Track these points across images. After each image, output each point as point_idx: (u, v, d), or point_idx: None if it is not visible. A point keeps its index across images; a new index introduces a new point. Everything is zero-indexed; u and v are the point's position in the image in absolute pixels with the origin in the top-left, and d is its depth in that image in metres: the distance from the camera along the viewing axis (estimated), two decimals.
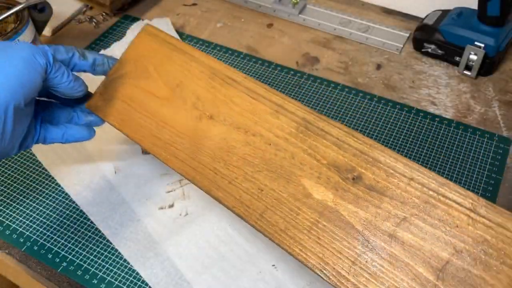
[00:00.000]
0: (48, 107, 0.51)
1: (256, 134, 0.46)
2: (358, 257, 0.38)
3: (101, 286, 0.50)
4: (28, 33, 0.65)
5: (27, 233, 0.55)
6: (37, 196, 0.58)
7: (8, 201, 0.58)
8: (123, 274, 0.51)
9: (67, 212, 0.57)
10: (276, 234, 0.41)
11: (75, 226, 0.55)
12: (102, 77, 0.53)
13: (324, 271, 0.38)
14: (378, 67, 0.73)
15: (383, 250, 0.38)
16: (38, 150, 0.62)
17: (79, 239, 0.54)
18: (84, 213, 0.56)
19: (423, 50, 0.73)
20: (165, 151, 0.48)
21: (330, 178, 0.41)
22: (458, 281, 0.35)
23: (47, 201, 0.58)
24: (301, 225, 0.40)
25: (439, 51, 0.72)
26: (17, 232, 0.55)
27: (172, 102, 0.50)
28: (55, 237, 0.54)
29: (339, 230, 0.39)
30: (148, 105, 0.50)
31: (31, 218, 0.56)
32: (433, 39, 0.71)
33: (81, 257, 0.53)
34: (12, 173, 0.61)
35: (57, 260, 0.53)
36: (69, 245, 0.54)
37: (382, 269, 0.37)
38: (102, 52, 0.75)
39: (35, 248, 0.54)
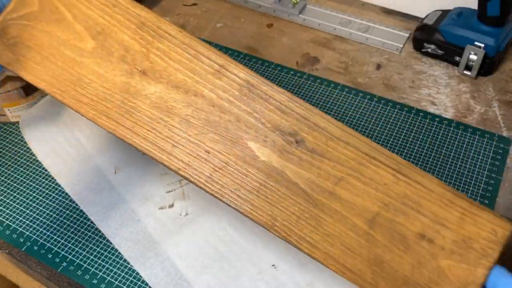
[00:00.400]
0: None
1: (197, 95, 0.44)
2: (303, 213, 0.42)
3: (101, 286, 0.50)
4: None
5: (27, 233, 0.55)
6: (37, 196, 0.58)
7: (8, 201, 0.58)
8: (123, 274, 0.51)
9: (67, 212, 0.57)
10: (226, 195, 0.43)
11: (75, 226, 0.55)
12: None
13: (275, 227, 0.42)
14: (378, 67, 0.73)
15: (324, 206, 0.42)
16: (38, 150, 0.62)
17: (79, 239, 0.54)
18: (84, 213, 0.56)
19: (423, 50, 0.73)
20: (92, 108, 0.44)
21: (275, 141, 0.44)
22: (385, 229, 0.42)
23: (47, 201, 0.58)
24: (250, 185, 0.43)
25: (439, 51, 0.72)
26: (17, 232, 0.55)
27: (95, 52, 0.45)
28: (55, 237, 0.54)
29: (285, 190, 0.43)
30: (65, 54, 0.45)
31: (31, 218, 0.56)
32: (433, 39, 0.71)
33: (81, 257, 0.53)
34: (12, 173, 0.61)
35: (57, 260, 0.53)
36: (69, 245, 0.54)
37: (324, 221, 0.42)
38: None
39: (35, 248, 0.54)
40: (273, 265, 0.51)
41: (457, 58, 0.70)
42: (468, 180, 0.58)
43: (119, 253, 0.53)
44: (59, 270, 0.52)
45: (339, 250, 0.42)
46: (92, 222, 0.55)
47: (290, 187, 0.43)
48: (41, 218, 0.56)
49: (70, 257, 0.53)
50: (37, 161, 0.62)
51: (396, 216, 0.42)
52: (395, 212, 0.42)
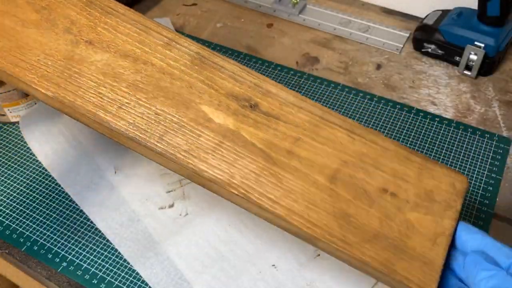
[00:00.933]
0: None
1: (147, 63, 0.44)
2: (262, 170, 0.42)
3: (101, 286, 0.50)
4: None
5: (27, 233, 0.55)
6: (37, 196, 0.58)
7: (8, 201, 0.58)
8: (123, 274, 0.51)
9: (67, 212, 0.57)
10: (179, 155, 0.42)
11: (75, 226, 0.55)
12: None
13: (233, 184, 0.41)
14: (378, 67, 0.73)
15: (284, 164, 0.43)
16: (38, 150, 0.62)
17: (79, 239, 0.54)
18: (84, 213, 0.56)
19: (423, 50, 0.73)
20: (32, 72, 0.42)
21: (229, 105, 0.44)
22: (347, 184, 0.43)
23: (47, 201, 0.58)
24: (205, 145, 0.42)
25: (439, 51, 0.72)
26: (17, 232, 0.55)
27: (38, 24, 0.44)
28: (55, 237, 0.54)
29: (243, 149, 0.43)
30: (3, 24, 0.44)
31: (31, 218, 0.56)
32: (433, 39, 0.71)
33: (81, 257, 0.53)
34: (12, 173, 0.61)
35: (57, 260, 0.53)
36: (69, 245, 0.54)
37: (284, 178, 0.42)
38: None
39: (35, 248, 0.54)
40: (273, 265, 0.51)
41: (457, 58, 0.70)
42: (468, 180, 0.58)
43: (119, 253, 0.53)
44: (59, 270, 0.52)
45: (302, 205, 0.41)
46: (92, 222, 0.55)
47: (247, 147, 0.43)
48: (41, 218, 0.56)
49: (70, 257, 0.53)
50: (37, 161, 0.62)
51: (356, 172, 0.43)
52: (355, 168, 0.43)
